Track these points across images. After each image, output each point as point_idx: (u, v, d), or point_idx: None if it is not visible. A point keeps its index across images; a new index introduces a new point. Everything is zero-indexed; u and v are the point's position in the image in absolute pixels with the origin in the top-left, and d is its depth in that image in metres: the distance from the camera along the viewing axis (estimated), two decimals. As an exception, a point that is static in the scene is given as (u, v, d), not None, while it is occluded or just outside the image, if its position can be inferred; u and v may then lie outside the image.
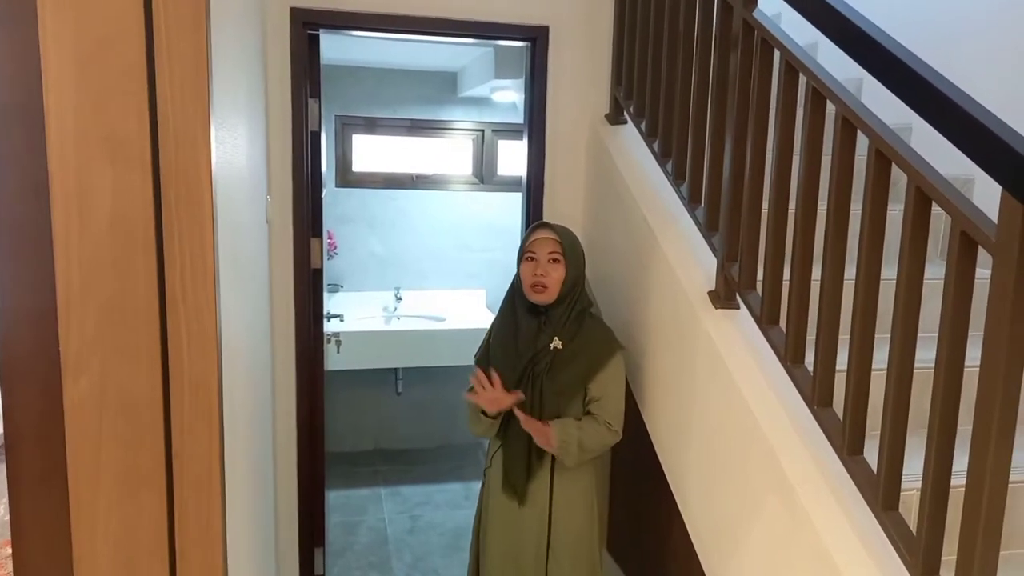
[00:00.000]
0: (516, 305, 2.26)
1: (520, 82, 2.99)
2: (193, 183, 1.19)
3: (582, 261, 2.23)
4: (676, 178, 2.17)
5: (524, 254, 2.21)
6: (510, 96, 4.20)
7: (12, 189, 1.13)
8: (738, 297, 1.88)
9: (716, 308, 1.90)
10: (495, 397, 2.14)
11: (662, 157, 2.27)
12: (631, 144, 2.55)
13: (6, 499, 1.16)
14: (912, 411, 1.39)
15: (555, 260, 2.15)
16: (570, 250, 2.17)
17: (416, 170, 4.48)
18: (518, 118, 3.87)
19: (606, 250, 2.64)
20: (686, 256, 2.07)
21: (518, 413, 2.12)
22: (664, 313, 2.14)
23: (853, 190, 1.53)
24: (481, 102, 4.43)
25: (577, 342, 2.16)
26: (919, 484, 1.33)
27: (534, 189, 2.85)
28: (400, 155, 4.46)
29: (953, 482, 1.30)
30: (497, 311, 2.35)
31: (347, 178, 4.41)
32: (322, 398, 2.87)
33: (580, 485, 2.23)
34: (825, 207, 1.55)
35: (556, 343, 2.16)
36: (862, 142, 1.46)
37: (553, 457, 2.19)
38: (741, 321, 1.86)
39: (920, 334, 1.37)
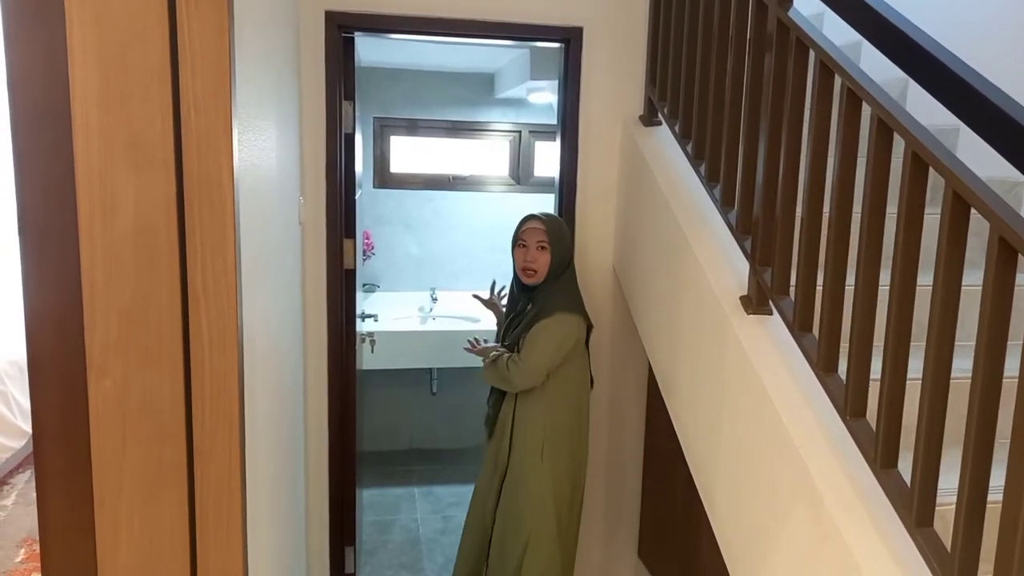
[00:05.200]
0: (515, 284, 2.69)
1: (556, 83, 2.97)
2: (215, 185, 1.20)
3: (567, 242, 2.59)
4: (709, 180, 2.13)
5: (516, 241, 2.59)
6: (546, 97, 4.18)
7: (39, 191, 1.15)
8: (770, 303, 1.84)
9: (748, 313, 1.86)
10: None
11: (695, 159, 2.23)
12: (665, 146, 2.51)
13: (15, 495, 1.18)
14: (948, 423, 1.34)
15: (542, 247, 2.51)
16: (555, 237, 2.52)
17: (453, 171, 4.48)
18: (554, 119, 3.84)
19: (637, 252, 2.61)
20: (718, 260, 2.03)
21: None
22: (695, 317, 2.10)
23: (889, 194, 1.48)
24: (518, 103, 4.42)
25: (536, 306, 2.53)
26: (955, 499, 1.27)
27: (566, 190, 2.83)
28: (437, 156, 4.47)
29: (990, 497, 1.24)
30: None
31: (385, 179, 4.44)
32: (354, 397, 2.89)
33: (534, 428, 2.55)
34: (860, 211, 1.50)
35: (530, 307, 2.57)
36: (900, 145, 1.42)
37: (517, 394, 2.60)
38: (773, 327, 1.82)
39: (957, 343, 1.32)
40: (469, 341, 2.79)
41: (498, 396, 2.69)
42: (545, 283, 2.54)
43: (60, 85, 1.13)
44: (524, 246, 2.54)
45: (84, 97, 1.13)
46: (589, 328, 2.61)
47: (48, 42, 1.12)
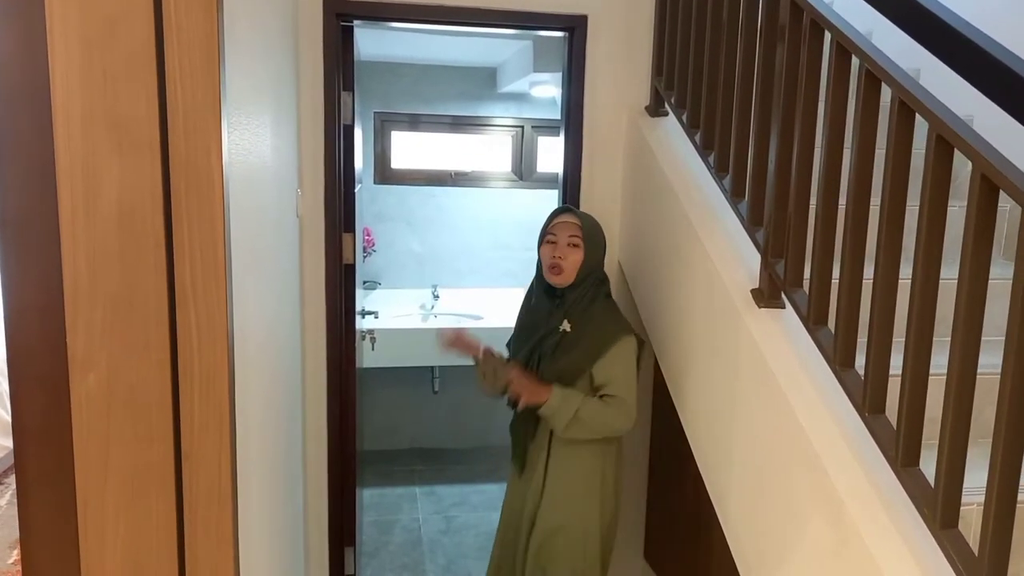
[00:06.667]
0: (536, 287, 2.33)
1: (559, 76, 2.91)
2: (203, 171, 1.14)
3: (602, 248, 2.25)
4: (718, 171, 2.07)
5: (545, 236, 2.24)
6: (549, 91, 4.11)
7: (19, 178, 1.09)
8: (783, 296, 1.78)
9: (760, 307, 1.80)
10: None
11: (704, 149, 2.17)
12: (672, 136, 2.45)
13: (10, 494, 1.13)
14: (973, 419, 1.28)
15: (574, 244, 2.17)
16: (590, 236, 2.19)
17: (455, 167, 4.42)
18: (558, 114, 3.78)
19: (645, 246, 2.55)
20: (728, 252, 1.97)
21: (514, 375, 2.17)
22: (705, 312, 2.04)
23: (910, 182, 1.41)
24: (520, 98, 4.36)
25: (584, 326, 2.17)
26: (981, 499, 1.21)
27: (570, 183, 2.77)
28: (439, 152, 4.41)
29: (1020, 497, 1.18)
30: None
31: (386, 175, 4.38)
32: (354, 395, 2.83)
33: (580, 464, 2.20)
34: (879, 200, 1.44)
35: (565, 325, 2.18)
36: (919, 133, 1.35)
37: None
38: (786, 321, 1.76)
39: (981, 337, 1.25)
40: (511, 401, 2.23)
41: (525, 428, 2.28)
42: (575, 292, 2.18)
43: (39, 63, 1.07)
44: (553, 242, 2.19)
45: (65, 76, 1.07)
46: (640, 345, 2.23)
47: (26, 18, 1.06)
